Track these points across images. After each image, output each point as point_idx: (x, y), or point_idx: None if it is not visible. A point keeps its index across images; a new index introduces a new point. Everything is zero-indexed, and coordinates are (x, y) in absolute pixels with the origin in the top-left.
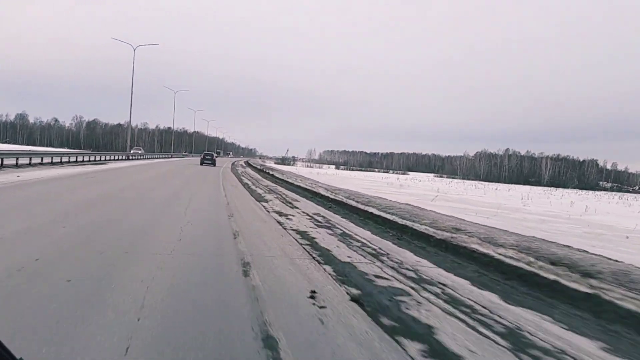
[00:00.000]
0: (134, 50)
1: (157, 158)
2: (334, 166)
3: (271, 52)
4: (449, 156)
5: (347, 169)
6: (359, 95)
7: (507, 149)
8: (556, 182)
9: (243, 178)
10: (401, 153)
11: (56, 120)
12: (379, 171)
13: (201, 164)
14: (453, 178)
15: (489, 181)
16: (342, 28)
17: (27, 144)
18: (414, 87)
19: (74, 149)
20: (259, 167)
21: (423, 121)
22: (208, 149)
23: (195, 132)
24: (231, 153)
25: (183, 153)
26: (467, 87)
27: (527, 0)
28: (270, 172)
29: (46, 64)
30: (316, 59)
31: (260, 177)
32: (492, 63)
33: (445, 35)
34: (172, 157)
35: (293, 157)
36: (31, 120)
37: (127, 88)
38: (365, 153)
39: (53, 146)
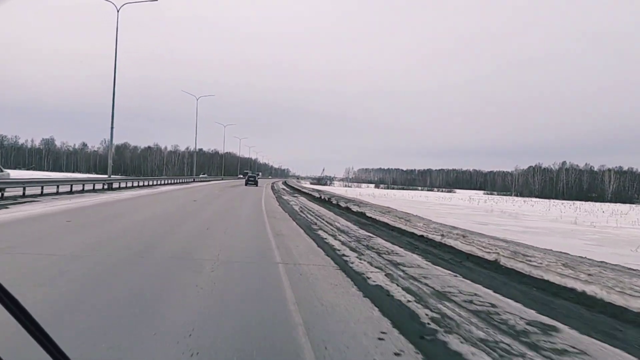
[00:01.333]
0: (118, 11)
1: (166, 184)
2: (372, 185)
3: (302, 76)
4: (491, 172)
5: (387, 188)
6: (390, 114)
7: (564, 162)
8: (621, 197)
9: (315, 229)
10: (440, 170)
11: (84, 144)
12: (421, 189)
13: (246, 184)
14: (506, 195)
15: (544, 198)
16: (374, 50)
17: (53, 170)
18: (447, 102)
19: (100, 173)
20: (316, 194)
21: (459, 137)
22: (240, 171)
23: (226, 152)
24: (260, 174)
25: (201, 175)
26: (501, 102)
27: (582, 10)
28: (353, 207)
29: (77, 90)
30: (346, 81)
31: (338, 217)
32: (527, 79)
33: (483, 50)
34: (194, 180)
35: (328, 176)
36: (58, 144)
37: (157, 110)
38: (402, 170)
39: (80, 172)
